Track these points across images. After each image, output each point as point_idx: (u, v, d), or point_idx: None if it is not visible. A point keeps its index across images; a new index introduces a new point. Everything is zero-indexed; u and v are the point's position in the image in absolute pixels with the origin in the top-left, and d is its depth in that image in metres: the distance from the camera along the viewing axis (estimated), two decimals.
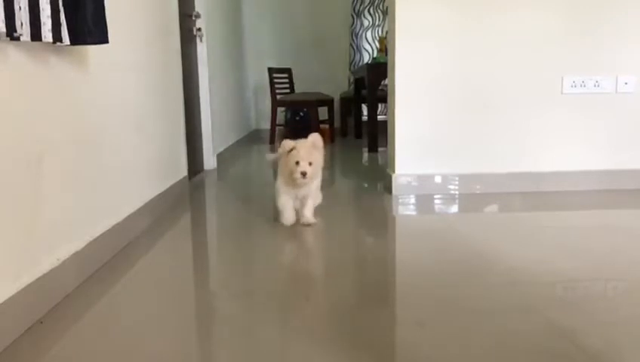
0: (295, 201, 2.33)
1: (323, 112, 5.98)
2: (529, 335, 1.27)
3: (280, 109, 6.15)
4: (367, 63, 5.11)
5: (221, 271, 1.91)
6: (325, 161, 2.31)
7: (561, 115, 2.96)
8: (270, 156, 2.33)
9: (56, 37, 1.46)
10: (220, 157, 4.33)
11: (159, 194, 2.58)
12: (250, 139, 6.42)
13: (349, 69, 7.12)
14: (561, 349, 1.20)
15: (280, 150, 2.23)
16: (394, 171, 2.97)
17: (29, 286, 1.36)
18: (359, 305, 1.52)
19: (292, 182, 2.21)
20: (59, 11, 1.47)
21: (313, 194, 2.33)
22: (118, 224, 1.99)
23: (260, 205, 2.83)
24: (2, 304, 1.25)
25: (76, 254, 1.63)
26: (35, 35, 1.37)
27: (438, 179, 2.95)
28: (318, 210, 2.40)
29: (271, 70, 6.02)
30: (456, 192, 2.95)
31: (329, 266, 1.92)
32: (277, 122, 6.03)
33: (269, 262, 1.95)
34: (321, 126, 5.81)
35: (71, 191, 1.67)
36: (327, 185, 2.53)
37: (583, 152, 2.98)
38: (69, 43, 1.52)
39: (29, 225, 1.42)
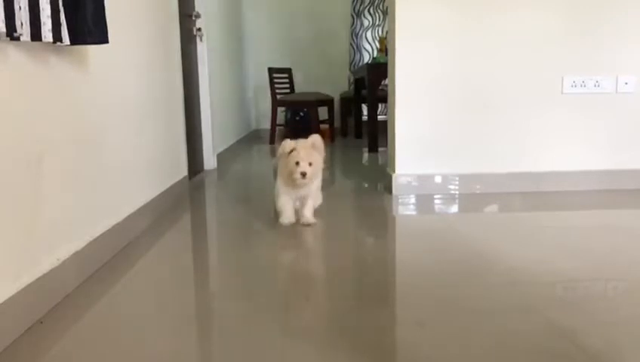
0: (295, 202, 2.33)
1: (323, 112, 5.99)
2: (529, 335, 1.27)
3: (280, 109, 6.15)
4: (367, 63, 5.11)
5: (221, 271, 1.91)
6: (325, 161, 2.31)
7: (561, 115, 2.96)
8: (276, 161, 2.34)
9: (56, 37, 1.46)
10: (220, 157, 4.33)
11: (159, 194, 2.58)
12: (251, 139, 6.42)
13: (349, 69, 7.12)
14: (561, 349, 1.20)
15: (280, 150, 2.23)
16: (394, 171, 2.97)
17: (29, 286, 1.36)
18: (359, 305, 1.52)
19: (292, 183, 2.21)
20: (59, 11, 1.46)
21: (313, 194, 2.33)
22: (118, 224, 1.99)
23: (260, 205, 2.83)
24: (2, 304, 1.25)
25: (76, 254, 1.63)
26: (35, 34, 1.37)
27: (438, 179, 2.95)
28: (318, 210, 2.40)
29: (271, 70, 6.02)
30: (457, 192, 2.95)
31: (329, 266, 1.92)
32: (277, 122, 6.03)
33: (269, 262, 1.95)
34: (321, 126, 5.81)
35: (71, 191, 1.67)
36: (327, 185, 2.53)
37: (583, 152, 2.98)
38: (69, 43, 1.52)
39: (29, 225, 1.42)
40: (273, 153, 5.20)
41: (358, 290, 1.67)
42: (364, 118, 5.63)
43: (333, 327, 1.36)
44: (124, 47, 2.15)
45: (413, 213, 2.72)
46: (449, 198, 2.88)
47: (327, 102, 5.97)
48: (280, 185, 2.29)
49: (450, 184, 2.95)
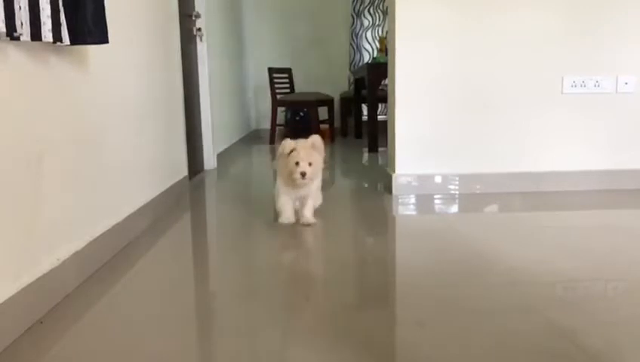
0: (295, 202, 2.33)
1: (323, 112, 5.98)
2: (529, 335, 1.27)
3: (280, 109, 6.15)
4: (367, 63, 5.11)
5: (221, 271, 1.91)
6: (325, 161, 2.31)
7: (561, 115, 2.96)
8: (276, 163, 2.34)
9: (56, 37, 1.46)
10: (220, 157, 4.33)
11: (159, 194, 2.58)
12: (251, 139, 6.42)
13: (349, 69, 7.12)
14: (561, 349, 1.20)
15: (280, 150, 2.23)
16: (394, 171, 2.97)
17: (29, 286, 1.36)
18: (359, 305, 1.52)
19: (292, 183, 2.21)
20: (59, 11, 1.46)
21: (313, 194, 2.33)
22: (118, 224, 1.99)
23: (260, 205, 2.83)
24: (2, 304, 1.25)
25: (76, 254, 1.63)
26: (35, 34, 1.37)
27: (438, 179, 2.95)
28: (318, 210, 2.40)
29: (271, 70, 6.02)
30: (457, 192, 2.95)
31: (329, 266, 1.92)
32: (277, 122, 6.03)
33: (269, 262, 1.95)
34: (321, 126, 5.81)
35: (71, 191, 1.67)
36: (327, 185, 2.53)
37: (583, 152, 2.98)
38: (69, 43, 1.52)
39: (29, 225, 1.42)
40: (273, 153, 5.20)
41: (358, 290, 1.67)
42: (364, 118, 5.63)
43: (333, 327, 1.36)
44: (124, 47, 2.15)
45: (413, 213, 2.72)
46: (449, 198, 2.88)
47: (327, 102, 5.96)
48: (280, 185, 2.29)
49: (450, 184, 2.95)
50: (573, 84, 2.93)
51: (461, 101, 2.93)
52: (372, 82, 4.78)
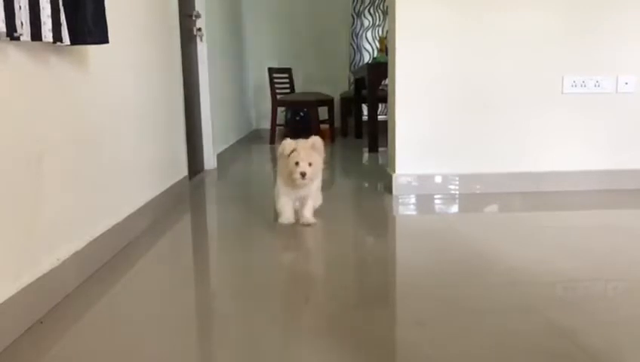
0: (295, 202, 2.33)
1: (323, 112, 5.98)
2: (529, 335, 1.27)
3: (280, 109, 6.15)
4: (367, 63, 5.11)
5: (221, 271, 1.91)
6: (325, 161, 2.31)
7: (562, 115, 2.96)
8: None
9: (57, 37, 1.46)
10: (220, 157, 4.33)
11: (159, 194, 2.58)
12: (251, 139, 6.42)
13: (350, 69, 7.12)
14: (561, 349, 1.20)
15: (280, 150, 2.23)
16: (394, 171, 2.97)
17: (29, 286, 1.36)
18: (359, 305, 1.52)
19: (292, 183, 2.20)
20: (59, 11, 1.46)
21: (313, 195, 2.33)
22: (118, 224, 1.99)
23: (260, 205, 2.83)
24: (2, 304, 1.25)
25: (76, 254, 1.63)
26: (35, 34, 1.37)
27: (438, 179, 2.95)
28: (318, 210, 2.40)
29: (271, 70, 6.02)
30: (457, 192, 2.95)
31: (329, 266, 1.92)
32: (277, 122, 6.03)
33: (269, 262, 1.95)
34: (322, 126, 5.81)
35: (71, 191, 1.67)
36: (327, 185, 2.53)
37: (583, 152, 2.98)
38: (69, 43, 1.52)
39: (29, 225, 1.42)
40: (273, 153, 5.20)
41: (358, 290, 1.67)
42: (365, 118, 5.63)
43: (333, 327, 1.36)
44: (124, 47, 2.15)
45: (414, 213, 2.72)
46: (449, 198, 2.88)
47: (327, 102, 5.96)
48: (280, 185, 2.29)
49: (451, 184, 2.95)
50: (574, 84, 2.93)
51: (461, 101, 2.93)
52: (372, 82, 4.78)
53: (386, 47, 4.81)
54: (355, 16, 7.14)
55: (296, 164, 2.16)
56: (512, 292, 1.54)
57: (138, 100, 2.38)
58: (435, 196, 2.91)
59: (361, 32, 7.16)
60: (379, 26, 7.16)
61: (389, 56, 3.05)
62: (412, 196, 2.92)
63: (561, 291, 1.58)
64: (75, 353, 1.25)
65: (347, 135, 6.56)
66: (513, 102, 2.94)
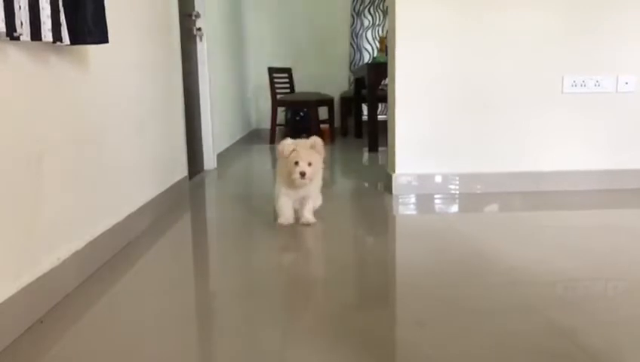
0: (295, 202, 2.33)
1: (323, 112, 5.98)
2: (529, 335, 1.27)
3: (280, 109, 6.15)
4: (367, 63, 5.11)
5: (221, 271, 1.91)
6: (325, 161, 2.31)
7: (562, 115, 2.96)
8: None
9: (56, 36, 1.46)
10: (220, 156, 4.33)
11: (159, 194, 2.58)
12: (251, 138, 6.42)
13: (349, 69, 7.12)
14: (561, 349, 1.20)
15: (279, 148, 2.23)
16: (394, 171, 2.97)
17: (29, 285, 1.36)
18: (359, 305, 1.52)
19: (291, 183, 2.20)
20: (59, 11, 1.46)
21: (313, 195, 2.32)
22: (118, 223, 1.99)
23: (260, 205, 2.83)
24: (2, 303, 1.25)
25: (76, 254, 1.63)
26: (35, 34, 1.37)
27: (438, 179, 2.95)
28: (318, 210, 2.40)
29: (271, 70, 6.02)
30: (457, 192, 2.95)
31: (329, 266, 1.92)
32: (277, 122, 6.02)
33: (269, 262, 1.95)
34: (321, 126, 5.81)
35: (71, 191, 1.67)
36: (327, 185, 2.53)
37: (583, 152, 2.98)
38: (68, 43, 1.52)
39: (29, 225, 1.42)
40: (273, 153, 5.20)
41: (358, 290, 1.67)
42: (364, 117, 5.63)
43: (333, 327, 1.36)
44: (124, 47, 2.15)
45: (414, 212, 2.72)
46: (449, 198, 2.88)
47: (327, 102, 5.96)
48: (279, 185, 2.29)
49: (451, 184, 2.95)
50: (574, 84, 2.93)
51: (461, 101, 2.93)
52: (372, 82, 4.78)
53: (385, 46, 4.81)
54: (355, 16, 7.14)
55: (296, 163, 2.16)
56: (512, 292, 1.54)
57: (138, 100, 2.38)
58: (435, 196, 2.91)
59: (361, 31, 7.16)
60: (379, 25, 7.16)
61: (389, 56, 3.05)
62: (412, 196, 2.92)
63: (561, 291, 1.58)
64: (75, 353, 1.25)
65: (347, 135, 6.56)
66: (513, 102, 2.94)
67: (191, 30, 3.73)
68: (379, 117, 5.14)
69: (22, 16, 1.31)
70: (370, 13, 7.16)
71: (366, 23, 7.16)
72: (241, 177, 4.00)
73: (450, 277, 1.70)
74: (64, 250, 1.58)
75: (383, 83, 4.62)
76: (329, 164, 4.13)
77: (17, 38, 1.30)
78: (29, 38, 1.34)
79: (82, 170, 1.76)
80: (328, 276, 1.81)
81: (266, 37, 6.97)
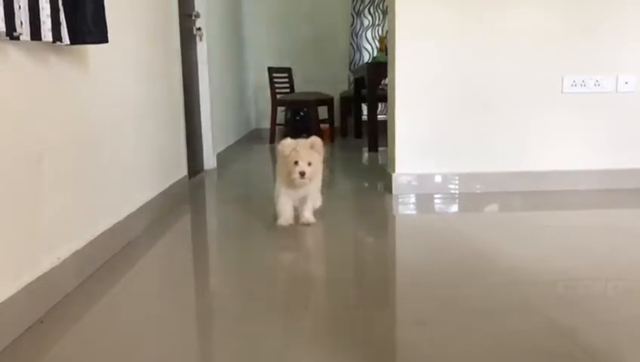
0: (295, 202, 2.32)
1: (323, 112, 5.98)
2: (529, 334, 1.27)
3: (280, 109, 6.15)
4: (367, 63, 5.11)
5: (221, 271, 1.91)
6: (325, 161, 2.31)
7: (561, 115, 2.96)
8: None
9: (56, 36, 1.46)
10: (220, 156, 4.33)
11: (159, 194, 2.58)
12: (251, 138, 6.42)
13: (349, 69, 7.12)
14: (561, 349, 1.20)
15: (279, 148, 2.22)
16: (394, 170, 2.96)
17: (30, 285, 1.36)
18: (359, 305, 1.52)
19: (291, 183, 2.20)
20: (58, 10, 1.46)
21: (313, 195, 2.32)
22: (118, 223, 1.99)
23: (260, 205, 2.82)
24: (2, 303, 1.24)
25: (76, 253, 1.63)
26: (35, 34, 1.37)
27: (438, 179, 2.95)
28: (318, 210, 2.39)
29: (271, 70, 6.02)
30: (457, 192, 2.95)
31: (329, 266, 1.92)
32: (277, 122, 6.02)
33: (269, 262, 1.95)
34: (321, 125, 5.81)
35: (71, 191, 1.67)
36: (327, 184, 2.53)
37: (583, 152, 2.98)
38: (68, 42, 1.52)
39: (29, 225, 1.42)
40: (273, 152, 5.20)
41: (358, 290, 1.67)
42: (364, 117, 5.62)
43: (333, 327, 1.36)
44: (124, 46, 2.15)
45: (414, 212, 2.72)
46: (449, 198, 2.88)
47: (327, 101, 5.96)
48: (279, 185, 2.29)
49: (450, 183, 2.95)
50: (573, 84, 2.93)
51: (461, 101, 2.93)
52: (372, 82, 4.77)
53: (385, 46, 4.81)
54: (355, 16, 7.13)
55: (296, 163, 2.15)
56: (512, 292, 1.54)
57: (138, 100, 2.38)
58: (435, 195, 2.91)
59: (360, 31, 7.16)
60: (379, 25, 7.16)
61: (389, 56, 3.05)
62: (412, 195, 2.92)
63: (562, 290, 1.58)
64: (75, 353, 1.25)
65: (347, 135, 6.56)
66: (513, 101, 2.94)
67: (191, 30, 3.72)
68: (379, 117, 5.14)
69: (22, 15, 1.31)
70: (370, 13, 7.16)
71: (366, 22, 7.16)
72: (241, 177, 4.00)
73: (450, 276, 1.70)
74: (64, 250, 1.58)
75: (382, 83, 4.62)
76: (329, 164, 4.12)
77: (17, 38, 1.30)
78: (28, 38, 1.34)
79: (82, 170, 1.76)
80: (328, 276, 1.81)
81: (265, 37, 6.97)
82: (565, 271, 1.71)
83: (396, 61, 2.89)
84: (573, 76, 2.93)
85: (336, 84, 6.99)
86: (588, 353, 1.18)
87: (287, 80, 6.34)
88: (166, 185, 2.73)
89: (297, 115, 6.36)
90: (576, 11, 2.90)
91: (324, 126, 5.93)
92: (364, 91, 5.37)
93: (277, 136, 5.91)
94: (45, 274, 1.44)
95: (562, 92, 2.94)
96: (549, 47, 2.91)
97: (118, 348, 1.27)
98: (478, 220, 2.52)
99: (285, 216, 2.28)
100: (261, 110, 7.01)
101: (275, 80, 6.03)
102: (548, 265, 1.77)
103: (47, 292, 1.45)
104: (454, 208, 2.74)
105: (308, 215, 2.30)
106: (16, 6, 1.28)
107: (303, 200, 2.30)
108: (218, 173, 3.95)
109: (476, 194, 2.91)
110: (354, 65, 7.05)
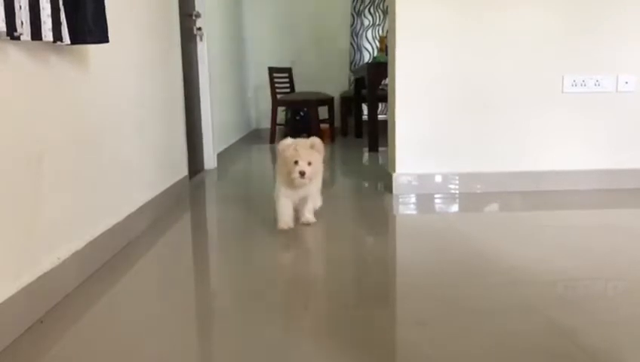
0: (295, 203, 2.32)
1: (323, 112, 5.98)
2: (529, 334, 1.27)
3: (280, 109, 6.15)
4: (367, 63, 5.11)
5: (221, 271, 1.91)
6: (325, 161, 2.31)
7: (562, 115, 2.96)
8: None
9: (57, 36, 1.46)
10: (220, 156, 4.33)
11: (159, 194, 2.58)
12: (251, 138, 6.42)
13: (350, 69, 7.12)
14: (561, 349, 1.20)
15: (279, 147, 2.22)
16: (394, 170, 2.96)
17: (30, 285, 1.36)
18: (360, 305, 1.52)
19: (291, 183, 2.20)
20: (59, 10, 1.46)
21: (313, 196, 2.32)
22: (118, 223, 1.99)
23: (260, 205, 2.83)
24: (2, 303, 1.25)
25: (76, 253, 1.63)
26: (36, 34, 1.37)
27: (438, 179, 2.95)
28: (318, 210, 2.39)
29: (271, 70, 6.02)
30: (457, 191, 2.95)
31: (329, 266, 1.92)
32: (277, 121, 6.02)
33: (270, 262, 1.95)
34: (322, 125, 5.81)
35: (71, 191, 1.67)
36: (327, 184, 2.53)
37: (583, 152, 2.98)
38: (69, 42, 1.52)
39: (29, 225, 1.42)
40: (273, 152, 5.20)
41: (358, 290, 1.67)
42: (365, 117, 5.62)
43: (333, 327, 1.36)
44: (124, 46, 2.15)
45: (414, 212, 2.72)
46: (449, 198, 2.88)
47: (328, 101, 5.96)
48: (279, 185, 2.28)
49: (451, 183, 2.95)
50: (574, 84, 2.93)
51: (461, 101, 2.93)
52: (372, 82, 4.77)
53: (386, 46, 4.81)
54: (355, 16, 7.13)
55: (295, 163, 2.15)
56: (512, 292, 1.54)
57: (138, 100, 2.38)
58: (435, 195, 2.91)
59: (361, 31, 7.16)
60: (379, 25, 7.16)
61: (389, 56, 3.05)
62: (412, 195, 2.92)
63: (562, 290, 1.58)
64: (75, 353, 1.25)
65: (347, 134, 6.56)
66: (513, 101, 2.94)
67: (191, 30, 3.72)
68: (379, 117, 5.14)
69: (22, 15, 1.31)
70: (370, 13, 7.16)
71: (366, 22, 7.16)
72: (241, 177, 4.00)
73: (450, 276, 1.70)
74: (64, 250, 1.58)
75: (383, 83, 4.62)
76: (329, 164, 4.13)
77: (18, 38, 1.30)
78: (29, 38, 1.34)
79: (82, 170, 1.76)
80: (328, 276, 1.81)
81: (266, 37, 6.97)
82: (565, 271, 1.71)
83: (396, 61, 2.89)
84: (573, 76, 2.93)
85: (337, 84, 7.00)
86: (588, 353, 1.18)
87: (287, 80, 6.35)
88: (166, 185, 2.73)
89: (297, 115, 6.36)
90: (576, 11, 2.90)
91: (325, 126, 5.93)
92: (364, 91, 5.37)
93: (277, 136, 5.91)
94: (45, 275, 1.44)
95: (562, 92, 2.94)
96: (549, 47, 2.91)
97: (118, 348, 1.27)
98: (478, 220, 2.52)
99: (285, 218, 2.25)
100: (261, 110, 7.01)
101: (276, 80, 6.03)
102: (548, 265, 1.77)
103: (47, 292, 1.46)
104: (454, 208, 2.74)
105: (308, 215, 2.30)
106: (16, 6, 1.28)
107: (304, 200, 2.30)
108: (218, 173, 3.95)
109: (476, 194, 2.91)
110: (354, 65, 7.05)
